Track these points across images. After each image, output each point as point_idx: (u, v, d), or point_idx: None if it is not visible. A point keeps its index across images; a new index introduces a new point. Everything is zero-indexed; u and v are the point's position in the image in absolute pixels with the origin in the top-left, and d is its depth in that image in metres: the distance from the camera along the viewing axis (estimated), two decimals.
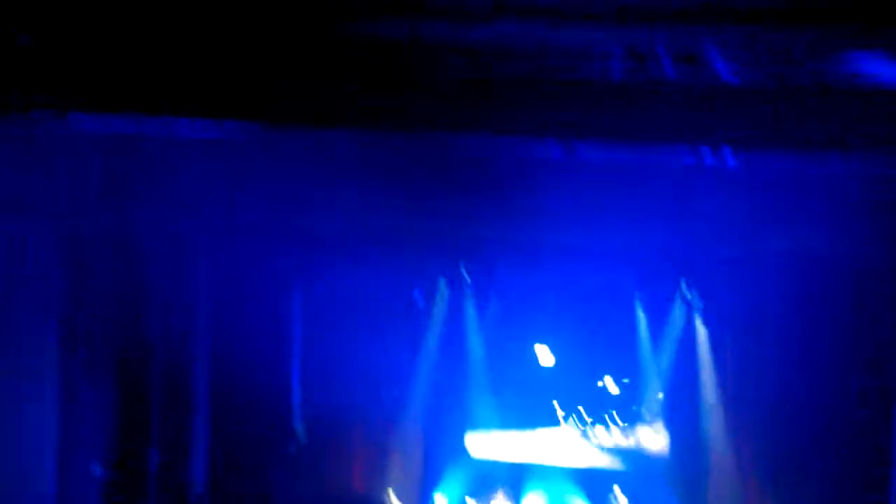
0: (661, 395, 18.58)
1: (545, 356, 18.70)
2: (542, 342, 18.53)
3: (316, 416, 17.50)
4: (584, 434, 19.09)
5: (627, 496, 18.12)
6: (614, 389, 18.83)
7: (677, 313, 17.71)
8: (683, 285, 17.12)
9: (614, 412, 18.98)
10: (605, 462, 19.00)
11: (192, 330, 15.38)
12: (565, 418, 19.16)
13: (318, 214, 14.56)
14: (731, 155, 11.05)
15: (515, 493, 18.81)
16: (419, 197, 13.98)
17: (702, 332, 17.74)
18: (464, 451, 19.37)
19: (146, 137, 12.11)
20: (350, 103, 10.40)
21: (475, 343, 18.87)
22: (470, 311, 18.55)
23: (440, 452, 19.12)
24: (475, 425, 19.46)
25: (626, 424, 19.02)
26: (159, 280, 14.90)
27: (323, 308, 17.25)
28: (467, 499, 18.37)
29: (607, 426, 19.04)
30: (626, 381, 18.68)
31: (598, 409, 18.99)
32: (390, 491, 18.12)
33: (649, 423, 18.88)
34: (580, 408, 19.04)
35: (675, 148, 11.16)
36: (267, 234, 15.53)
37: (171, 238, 14.86)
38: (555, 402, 19.11)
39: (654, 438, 18.84)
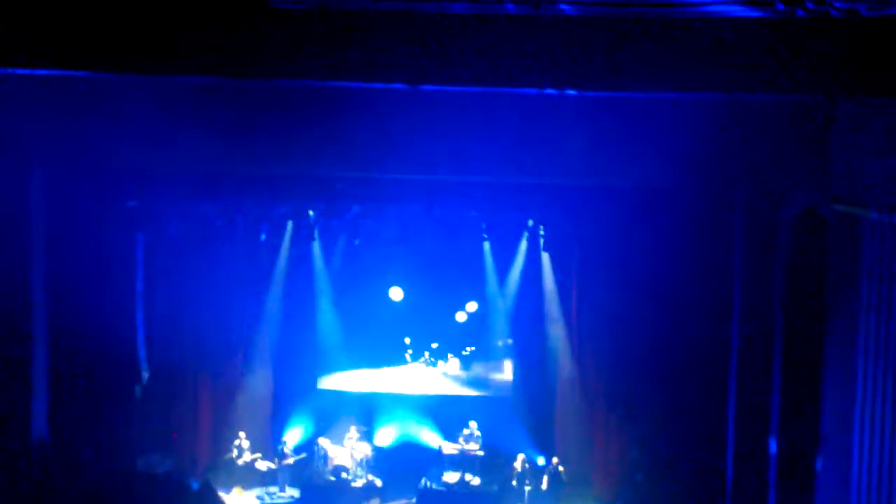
0: (508, 328, 18.91)
1: (396, 293, 18.79)
2: (391, 281, 18.56)
3: (162, 359, 17.23)
4: (434, 366, 19.33)
5: (477, 425, 18.36)
6: (463, 323, 19.04)
7: (523, 247, 17.98)
8: (530, 221, 17.31)
9: (463, 345, 19.24)
10: (454, 391, 19.28)
11: (30, 276, 14.84)
12: (415, 353, 19.33)
13: (161, 156, 14.17)
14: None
15: (368, 427, 18.95)
16: (263, 141, 13.73)
17: (547, 265, 18.06)
18: (314, 389, 19.39)
19: None
20: (191, 50, 10.11)
21: (323, 284, 18.83)
22: (317, 252, 18.47)
23: (290, 392, 19.10)
24: (326, 364, 19.49)
25: (474, 356, 19.31)
26: None
27: (168, 250, 16.91)
28: (319, 440, 18.36)
29: (457, 358, 19.31)
30: (474, 314, 18.89)
31: (448, 343, 19.22)
32: (241, 434, 17.98)
33: (497, 354, 19.21)
34: (430, 342, 19.25)
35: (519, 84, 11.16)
36: (107, 176, 15.07)
37: (5, 178, 14.29)
38: (405, 339, 19.26)
39: (502, 369, 19.19)
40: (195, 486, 14.86)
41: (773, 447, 13.71)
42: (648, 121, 12.69)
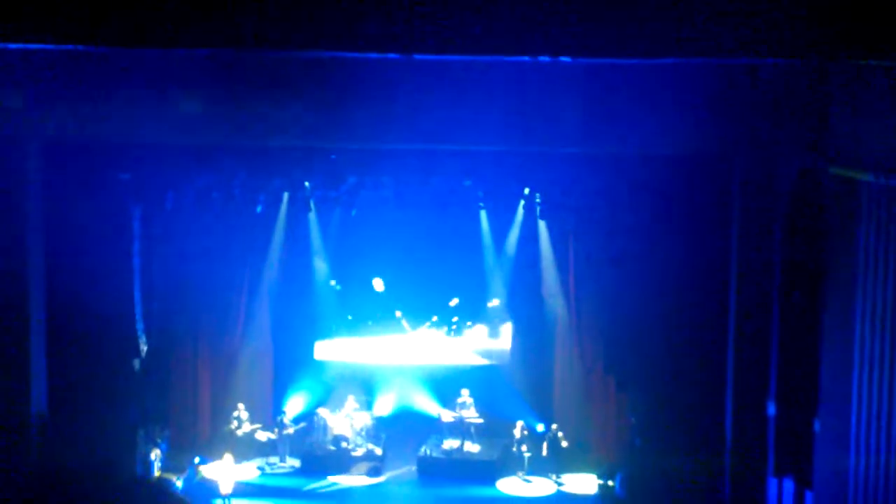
0: (505, 296, 18.96)
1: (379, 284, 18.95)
2: (388, 252, 18.51)
3: (161, 332, 17.20)
4: (431, 336, 19.38)
5: (474, 396, 18.41)
6: (459, 293, 19.07)
7: (520, 216, 17.95)
8: (526, 189, 17.24)
9: (460, 314, 19.27)
10: (453, 361, 19.34)
11: (27, 251, 14.83)
12: (413, 322, 19.37)
13: (157, 129, 14.13)
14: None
15: (367, 396, 19.04)
16: (258, 113, 13.71)
17: (544, 233, 18.07)
18: (313, 360, 19.43)
19: None
20: (184, 23, 10.03)
21: (320, 254, 18.84)
22: (314, 223, 18.43)
23: (289, 363, 19.15)
24: (324, 334, 19.53)
25: (472, 325, 19.36)
26: None
27: (164, 223, 16.85)
28: (319, 410, 18.43)
29: (453, 327, 19.35)
30: (470, 283, 18.92)
31: (444, 312, 19.25)
32: (241, 405, 18.02)
33: (495, 322, 19.27)
34: (427, 312, 19.28)
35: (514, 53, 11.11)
36: (103, 150, 15.02)
37: (1, 156, 14.26)
38: (401, 309, 19.29)
39: (500, 337, 19.26)
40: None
41: (771, 410, 13.79)
42: (644, 88, 12.68)
